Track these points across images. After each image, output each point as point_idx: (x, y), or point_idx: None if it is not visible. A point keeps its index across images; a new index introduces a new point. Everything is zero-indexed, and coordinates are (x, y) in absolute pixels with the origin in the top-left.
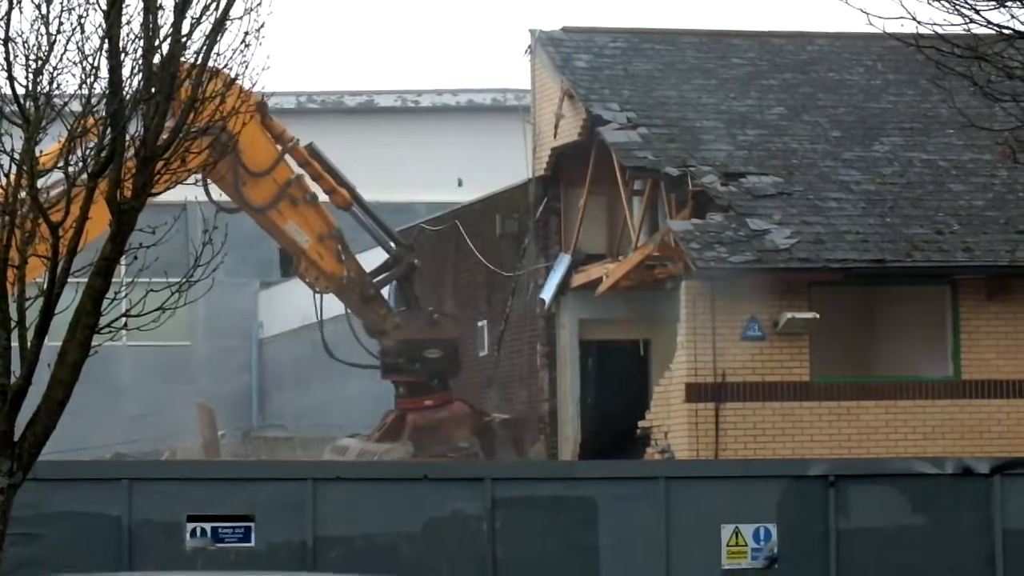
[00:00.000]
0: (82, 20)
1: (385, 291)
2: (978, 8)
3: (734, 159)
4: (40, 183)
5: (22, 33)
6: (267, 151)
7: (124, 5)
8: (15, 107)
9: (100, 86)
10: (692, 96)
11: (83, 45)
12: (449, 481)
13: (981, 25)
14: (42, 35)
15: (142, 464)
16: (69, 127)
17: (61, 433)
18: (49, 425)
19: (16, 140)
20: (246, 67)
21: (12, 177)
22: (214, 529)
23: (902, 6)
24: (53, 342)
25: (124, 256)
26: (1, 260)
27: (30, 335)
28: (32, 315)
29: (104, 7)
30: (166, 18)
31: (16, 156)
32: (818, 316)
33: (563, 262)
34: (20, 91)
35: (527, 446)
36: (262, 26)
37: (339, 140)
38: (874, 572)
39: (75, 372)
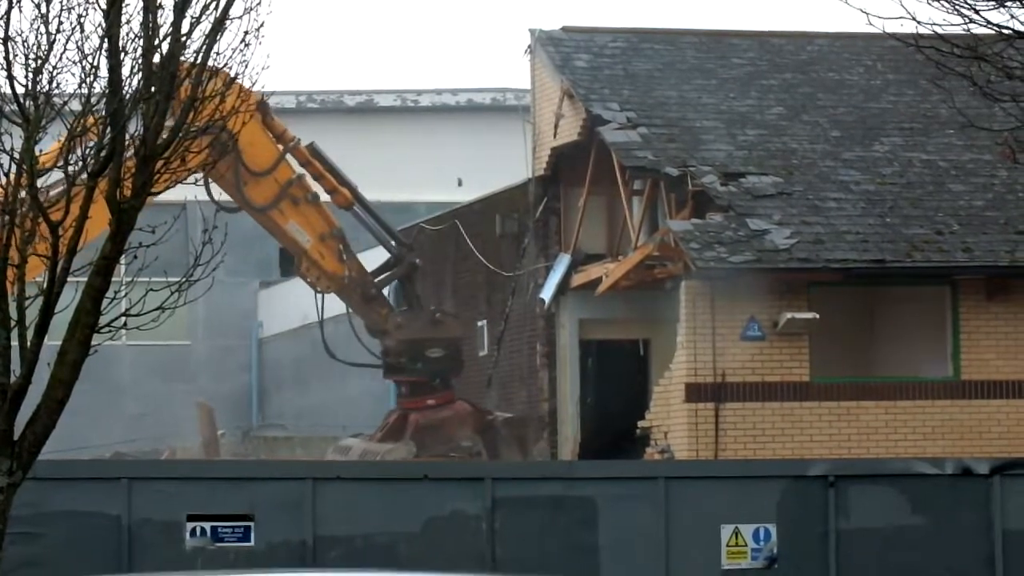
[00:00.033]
0: (82, 19)
1: (386, 291)
2: (978, 8)
3: (734, 159)
4: (40, 182)
5: (22, 32)
6: (268, 151)
7: (124, 4)
8: (15, 106)
9: (100, 85)
10: (692, 96)
11: (83, 44)
12: (449, 481)
13: (981, 25)
14: (42, 34)
15: (142, 463)
16: (69, 126)
17: (61, 432)
18: (49, 424)
19: (16, 139)
20: (246, 66)
21: (12, 176)
22: (214, 528)
23: (902, 6)
24: (53, 341)
25: (124, 255)
26: (1, 259)
27: (30, 334)
28: (32, 314)
29: (104, 6)
30: (166, 17)
31: (16, 155)
32: (818, 316)
33: (563, 262)
34: (20, 90)
35: (530, 445)
36: (262, 25)
37: (339, 140)
38: (874, 572)
39: (75, 371)
